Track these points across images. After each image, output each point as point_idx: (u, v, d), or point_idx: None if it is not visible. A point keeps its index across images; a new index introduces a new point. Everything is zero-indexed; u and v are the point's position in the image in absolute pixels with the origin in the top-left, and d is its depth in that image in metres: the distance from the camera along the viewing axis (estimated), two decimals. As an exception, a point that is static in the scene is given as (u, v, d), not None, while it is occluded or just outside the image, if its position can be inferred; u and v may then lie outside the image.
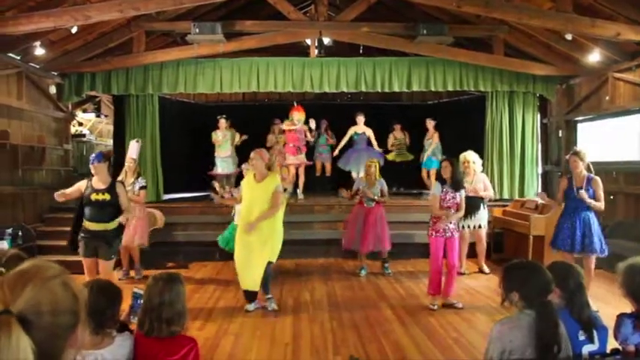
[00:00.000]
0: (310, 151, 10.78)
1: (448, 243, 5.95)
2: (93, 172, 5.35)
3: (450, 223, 5.92)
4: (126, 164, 7.42)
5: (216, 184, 8.14)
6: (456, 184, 5.94)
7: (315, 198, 10.11)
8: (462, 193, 6.02)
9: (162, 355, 2.56)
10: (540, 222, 7.50)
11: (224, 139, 9.95)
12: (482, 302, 6.23)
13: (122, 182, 5.79)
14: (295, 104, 10.09)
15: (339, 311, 5.87)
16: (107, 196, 5.29)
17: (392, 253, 7.85)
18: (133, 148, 7.60)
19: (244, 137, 10.11)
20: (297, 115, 9.76)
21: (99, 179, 5.35)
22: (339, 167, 10.50)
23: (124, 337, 2.60)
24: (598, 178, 5.85)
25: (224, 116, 10.05)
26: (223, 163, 9.96)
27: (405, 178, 11.28)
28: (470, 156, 7.58)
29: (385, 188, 7.63)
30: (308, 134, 10.01)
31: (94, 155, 5.43)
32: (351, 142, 10.39)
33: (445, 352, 4.59)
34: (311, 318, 5.61)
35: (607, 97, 8.49)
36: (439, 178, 6.13)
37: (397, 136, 10.88)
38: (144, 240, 7.47)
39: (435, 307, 5.92)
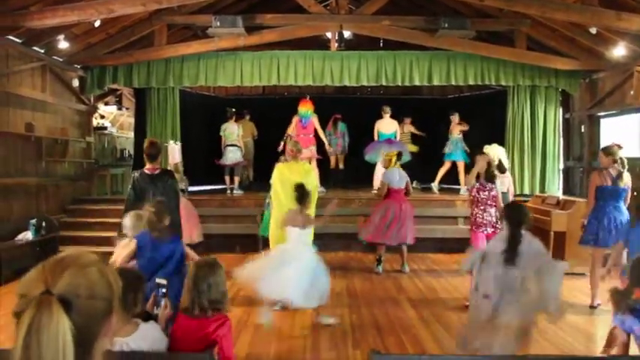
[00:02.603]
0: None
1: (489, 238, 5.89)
2: None
3: (490, 217, 5.83)
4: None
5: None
6: (489, 178, 5.89)
7: (334, 192, 10.10)
8: (496, 185, 5.97)
9: (196, 330, 2.71)
10: (562, 218, 7.42)
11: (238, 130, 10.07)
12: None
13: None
14: (307, 97, 9.95)
15: (359, 305, 5.88)
16: None
17: (411, 247, 7.77)
18: (174, 151, 7.34)
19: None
20: (302, 108, 9.38)
21: None
22: (353, 161, 10.45)
23: (149, 326, 2.62)
24: (593, 174, 5.75)
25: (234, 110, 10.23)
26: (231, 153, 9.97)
27: (424, 172, 11.16)
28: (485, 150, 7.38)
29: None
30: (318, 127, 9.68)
31: None
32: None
33: (465, 347, 4.57)
34: (330, 311, 5.62)
35: (631, 92, 8.33)
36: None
37: (404, 129, 10.82)
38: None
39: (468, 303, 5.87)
